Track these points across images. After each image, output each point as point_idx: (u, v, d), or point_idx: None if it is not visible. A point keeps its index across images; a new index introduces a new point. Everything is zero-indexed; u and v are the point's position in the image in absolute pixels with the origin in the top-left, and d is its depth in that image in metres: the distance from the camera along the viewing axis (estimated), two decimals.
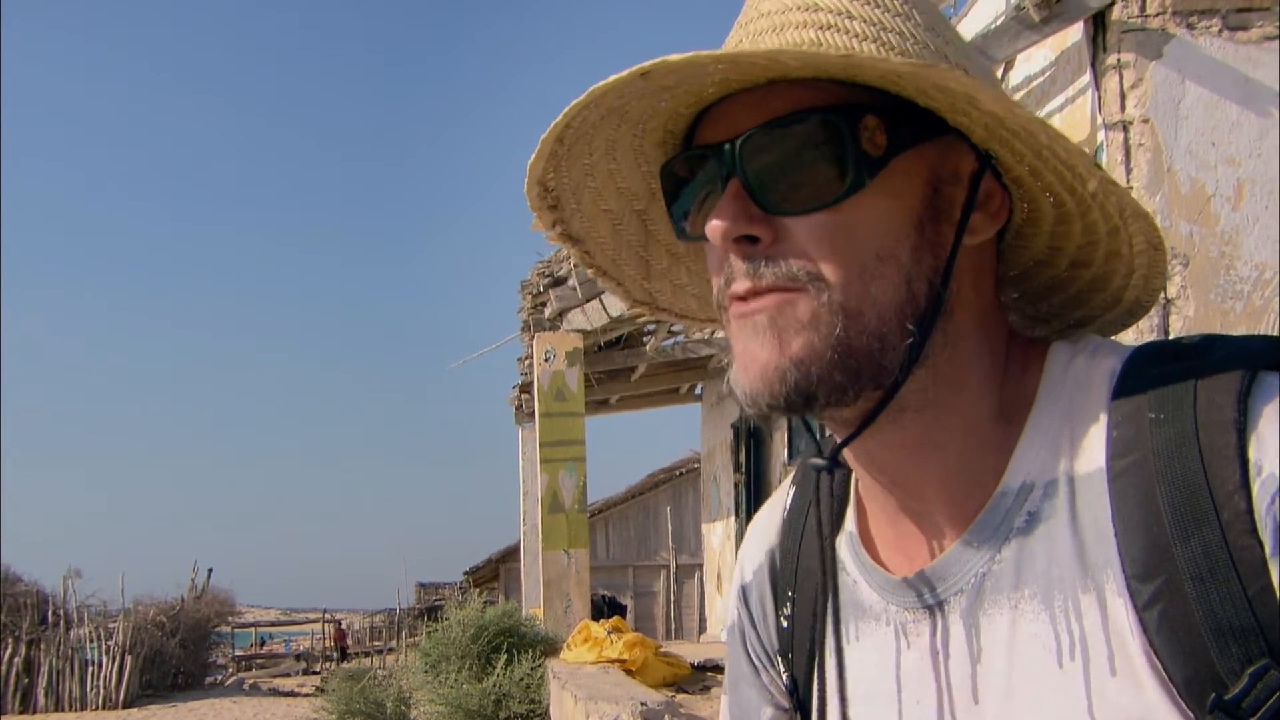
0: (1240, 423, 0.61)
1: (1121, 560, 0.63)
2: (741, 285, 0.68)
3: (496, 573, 25.38)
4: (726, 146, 0.68)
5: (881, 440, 0.72)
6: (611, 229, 0.83)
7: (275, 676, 30.48)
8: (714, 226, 0.67)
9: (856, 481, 0.82)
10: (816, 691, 0.81)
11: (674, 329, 10.25)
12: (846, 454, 0.75)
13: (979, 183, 0.70)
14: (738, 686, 0.93)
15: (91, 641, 21.13)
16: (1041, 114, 2.54)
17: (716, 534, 12.77)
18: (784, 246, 0.67)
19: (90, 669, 20.88)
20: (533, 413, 9.05)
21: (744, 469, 11.29)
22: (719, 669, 6.91)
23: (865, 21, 0.66)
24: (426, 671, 8.17)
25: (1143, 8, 3.49)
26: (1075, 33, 3.76)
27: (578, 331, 8.48)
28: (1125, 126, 3.48)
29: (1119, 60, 3.49)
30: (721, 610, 12.44)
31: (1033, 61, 4.16)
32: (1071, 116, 3.82)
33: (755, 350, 0.68)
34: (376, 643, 34.78)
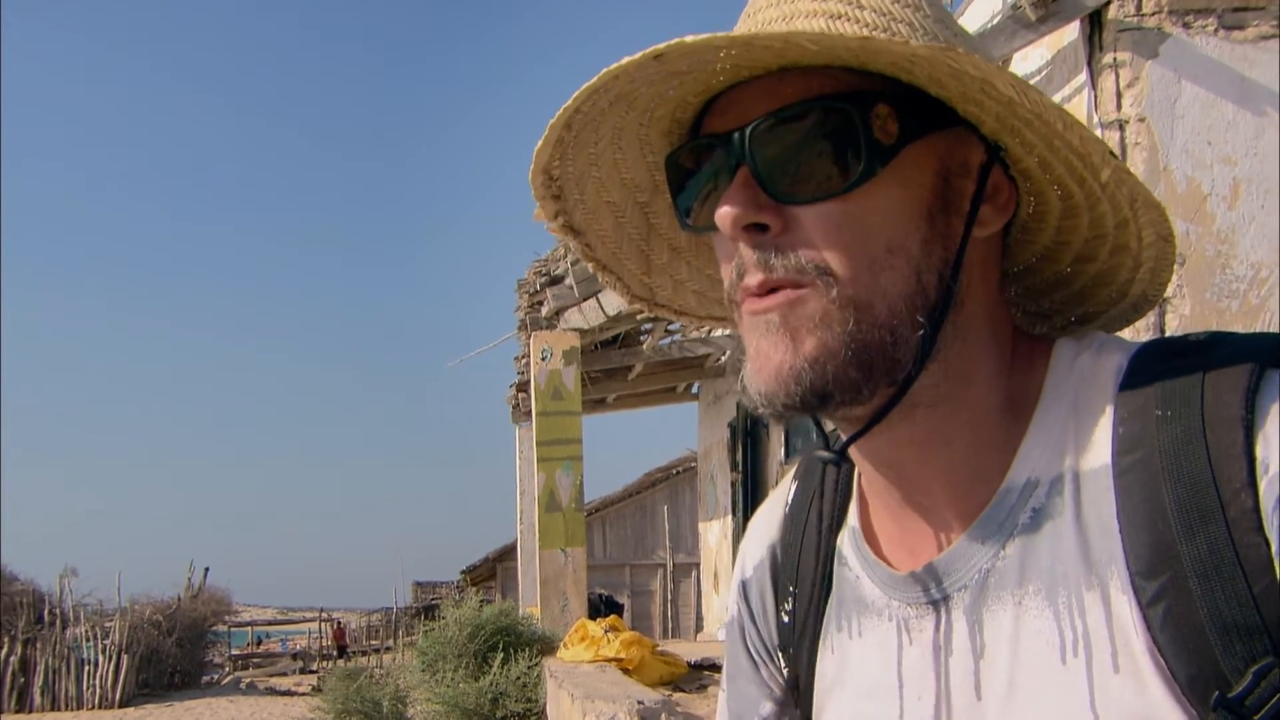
0: (1247, 420, 0.61)
1: (1126, 557, 0.63)
2: (754, 278, 0.68)
3: (493, 572, 25.37)
4: (736, 135, 0.68)
5: (891, 437, 0.72)
6: (614, 221, 0.82)
7: (272, 675, 30.42)
8: (723, 214, 0.67)
9: (859, 476, 0.82)
10: (817, 687, 0.82)
11: (671, 328, 10.25)
12: (851, 449, 0.74)
13: (988, 175, 0.70)
14: (736, 681, 0.92)
15: (88, 640, 21.10)
16: None
17: (713, 533, 12.77)
18: (793, 236, 0.67)
19: (86, 668, 20.85)
20: (530, 412, 9.04)
21: (741, 468, 11.29)
22: (716, 668, 6.91)
23: (875, 12, 0.66)
24: (423, 670, 8.17)
25: (1139, 7, 3.50)
26: (1071, 32, 3.76)
27: (574, 330, 8.48)
28: (1121, 125, 3.48)
29: (1115, 59, 3.50)
30: (718, 609, 12.45)
31: (1029, 60, 4.16)
32: None
33: (769, 350, 0.68)
34: (373, 641, 34.75)
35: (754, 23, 0.69)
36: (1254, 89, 3.47)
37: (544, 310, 8.60)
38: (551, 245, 8.56)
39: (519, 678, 7.37)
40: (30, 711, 20.17)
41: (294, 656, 35.00)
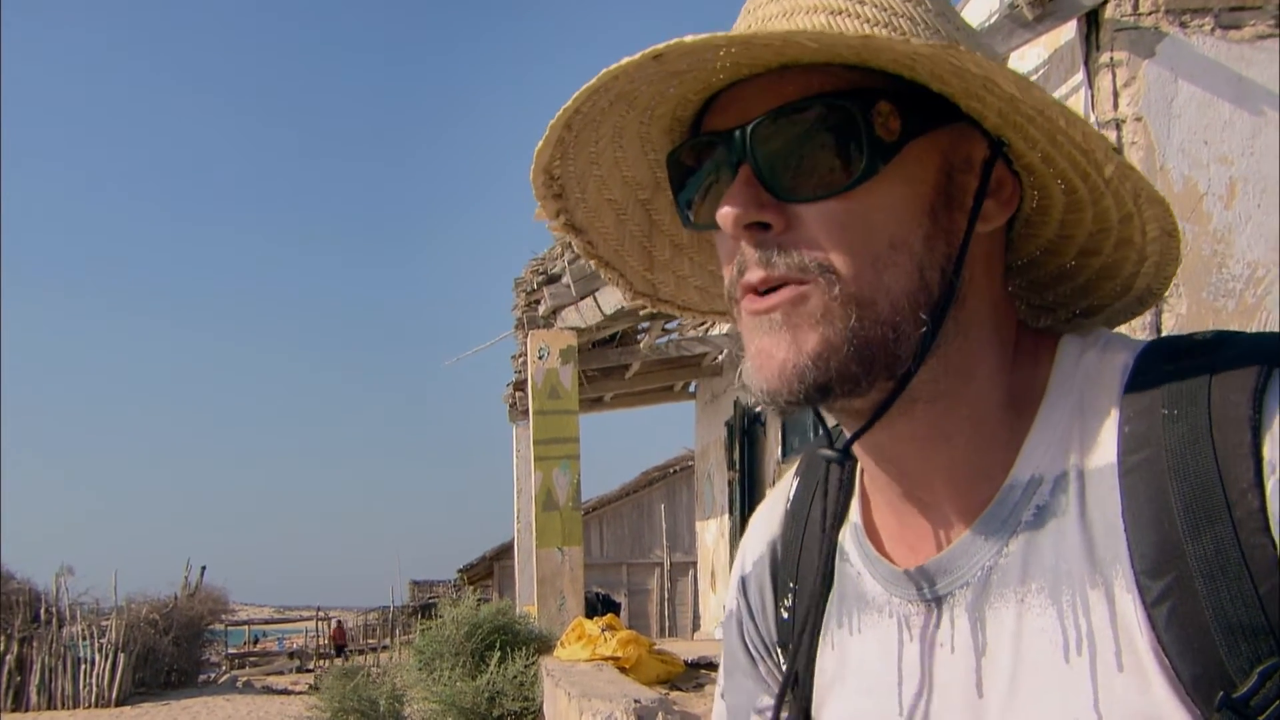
0: (1255, 420, 0.60)
1: (1131, 556, 0.63)
2: (755, 275, 0.68)
3: (490, 570, 25.36)
4: (737, 133, 0.68)
5: (892, 432, 0.72)
6: (615, 218, 0.82)
7: (269, 674, 30.42)
8: (725, 213, 0.67)
9: (861, 472, 0.81)
10: (817, 683, 0.81)
11: (668, 326, 10.25)
12: (854, 445, 0.74)
13: (991, 170, 0.70)
14: (733, 675, 0.92)
15: (84, 639, 21.10)
16: None
17: (710, 532, 12.77)
18: (796, 234, 0.67)
19: (83, 667, 20.85)
20: (527, 410, 9.04)
21: (738, 467, 11.29)
22: (713, 666, 6.91)
23: (877, 7, 0.66)
24: (420, 669, 8.17)
25: (1135, 6, 3.50)
26: (1068, 31, 3.76)
27: (571, 329, 8.48)
28: (1118, 125, 3.48)
29: (1112, 59, 3.50)
30: (715, 608, 12.45)
31: (1026, 60, 4.16)
32: None
33: (770, 348, 0.67)
34: (370, 640, 34.73)
35: (754, 19, 0.69)
36: (1251, 88, 3.47)
37: (541, 309, 8.60)
38: (549, 244, 8.56)
39: (516, 676, 7.37)
40: (27, 710, 20.15)
41: (291, 655, 34.99)
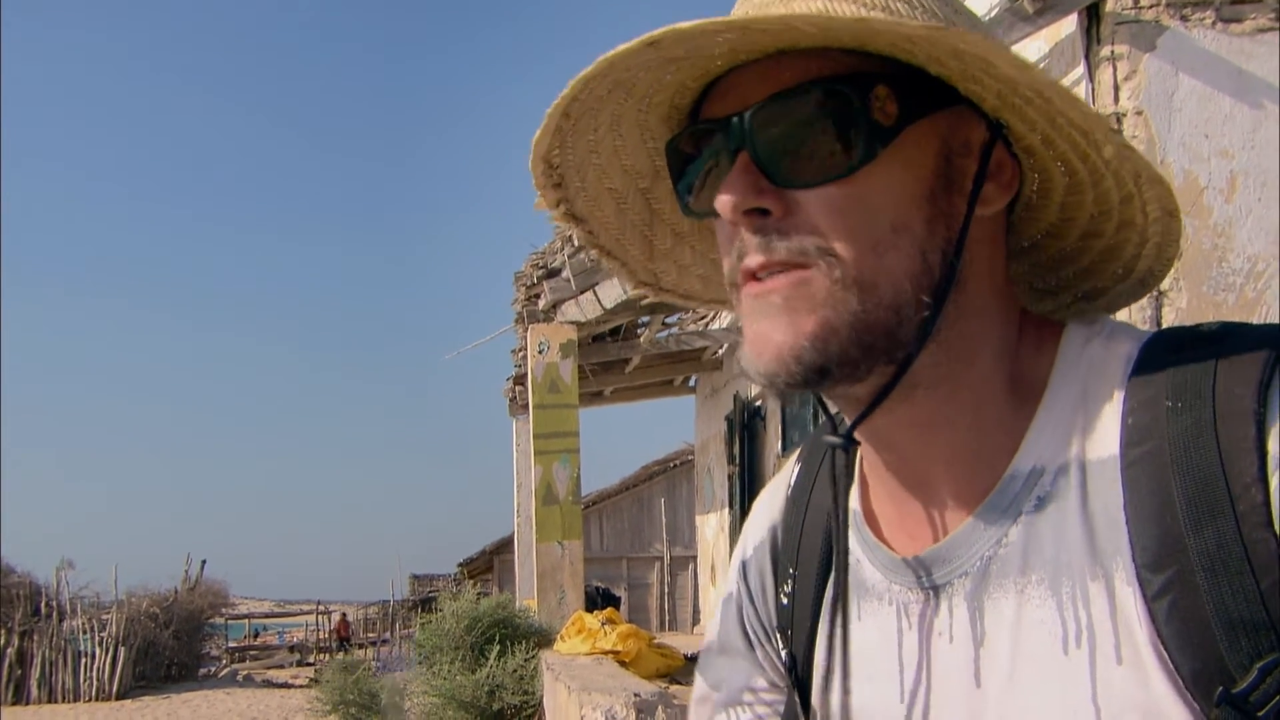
0: (1260, 414, 0.60)
1: (1132, 549, 0.62)
2: (755, 259, 0.67)
3: (490, 564, 25.39)
4: (735, 119, 0.67)
5: (893, 418, 0.71)
6: (616, 207, 0.82)
7: (269, 668, 30.45)
8: (724, 200, 0.67)
9: (861, 459, 0.81)
10: (817, 670, 0.81)
11: (668, 320, 10.24)
12: (855, 431, 0.74)
13: (990, 153, 0.69)
14: (725, 655, 0.92)
15: (85, 633, 21.12)
16: None
17: (710, 526, 12.77)
18: (796, 220, 0.66)
19: (83, 660, 20.87)
20: (527, 405, 9.03)
21: (738, 461, 11.29)
22: None
23: None
24: (420, 663, 8.17)
25: (1136, 0, 3.49)
26: (1069, 24, 3.76)
27: (571, 323, 8.46)
28: (1119, 119, 3.48)
29: (1113, 52, 3.49)
30: (715, 602, 12.43)
31: (1026, 53, 4.16)
32: None
33: (769, 330, 0.67)
34: (370, 634, 34.78)
35: (751, 4, 0.69)
36: (1251, 82, 3.47)
37: (541, 303, 8.59)
38: (548, 238, 8.55)
39: (516, 670, 7.38)
40: (27, 704, 20.18)
41: (291, 649, 35.02)
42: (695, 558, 16.49)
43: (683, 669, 6.86)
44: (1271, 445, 0.59)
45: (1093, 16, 3.60)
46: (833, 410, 0.77)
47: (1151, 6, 3.48)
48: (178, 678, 23.78)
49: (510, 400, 10.95)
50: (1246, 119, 3.46)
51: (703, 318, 10.76)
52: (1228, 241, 3.43)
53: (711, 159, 0.70)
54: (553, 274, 8.42)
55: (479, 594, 8.88)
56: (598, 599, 12.25)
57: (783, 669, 0.87)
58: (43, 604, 21.45)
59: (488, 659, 7.52)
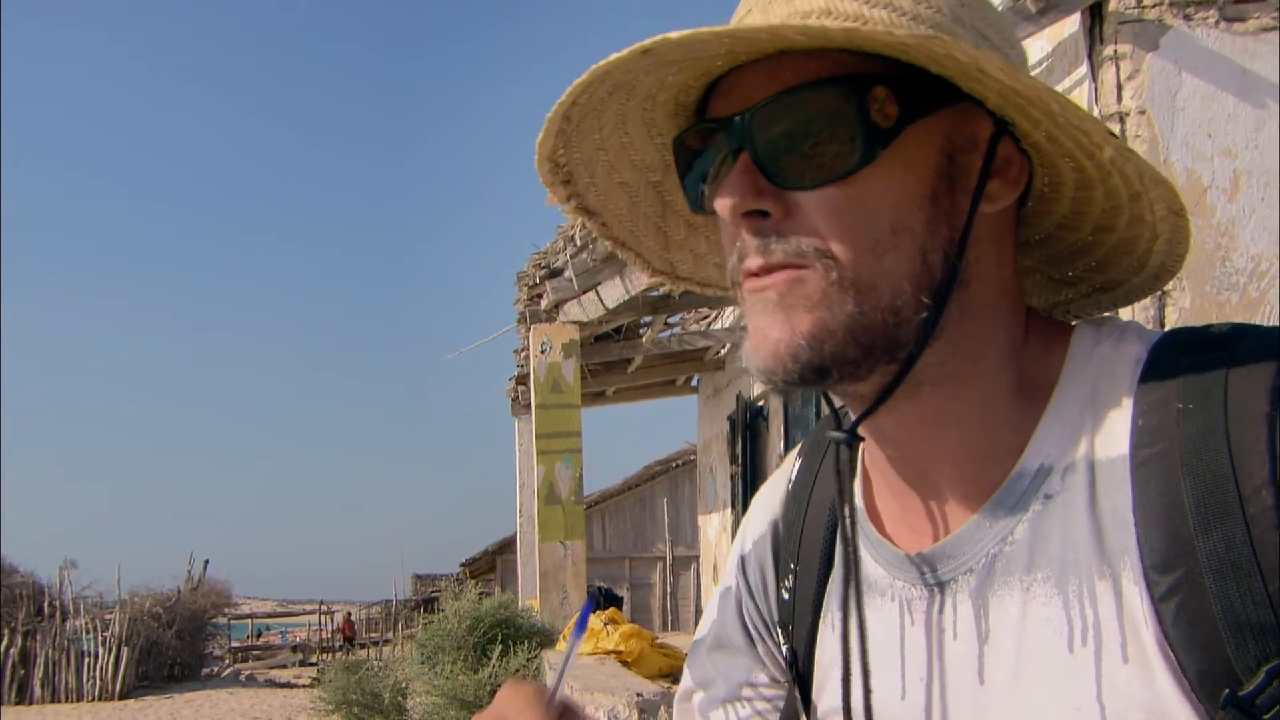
0: (1272, 418, 0.60)
1: (1140, 550, 0.62)
2: (754, 261, 0.67)
3: (493, 564, 25.41)
4: (736, 119, 0.67)
5: (898, 415, 0.71)
6: (628, 201, 0.82)
7: (272, 668, 30.46)
8: (723, 203, 0.67)
9: (863, 454, 0.81)
10: (818, 665, 0.81)
11: (670, 320, 10.24)
12: (860, 426, 0.74)
13: (996, 149, 0.69)
14: (721, 650, 0.92)
15: (87, 633, 21.12)
16: None
17: (713, 526, 12.77)
18: (795, 222, 0.66)
19: (86, 660, 20.87)
20: (529, 405, 9.04)
21: (740, 461, 11.29)
22: None
23: None
24: (422, 662, 8.18)
25: None
26: (1072, 24, 3.75)
27: (574, 323, 8.47)
28: (1122, 118, 3.47)
29: (1116, 51, 3.49)
30: None
31: (1029, 53, 4.15)
32: None
33: (766, 328, 0.67)
34: (373, 634, 34.80)
35: (755, 2, 0.69)
36: (1255, 81, 3.46)
37: (543, 303, 8.59)
38: (551, 238, 8.55)
39: (518, 670, 7.38)
40: (30, 703, 20.20)
41: (294, 649, 35.05)
42: (698, 558, 16.49)
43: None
44: None
45: (1095, 16, 3.60)
46: (837, 404, 0.77)
47: (1154, 6, 3.48)
48: (181, 677, 23.80)
49: (513, 400, 10.95)
50: (1250, 118, 3.46)
51: (705, 317, 10.76)
52: (1231, 241, 3.42)
53: (716, 157, 0.70)
54: (555, 274, 8.42)
55: (481, 594, 8.89)
56: (600, 599, 12.24)
57: (784, 664, 0.87)
58: (46, 604, 21.45)
59: (490, 659, 7.53)
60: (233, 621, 37.05)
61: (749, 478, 11.09)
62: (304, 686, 20.91)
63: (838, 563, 0.81)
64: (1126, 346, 0.70)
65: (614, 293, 8.00)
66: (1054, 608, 0.66)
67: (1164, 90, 3.46)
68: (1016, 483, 0.69)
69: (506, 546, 22.47)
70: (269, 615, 50.87)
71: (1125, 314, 0.84)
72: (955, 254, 0.68)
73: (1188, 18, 3.48)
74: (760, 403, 10.50)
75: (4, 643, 20.22)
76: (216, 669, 27.97)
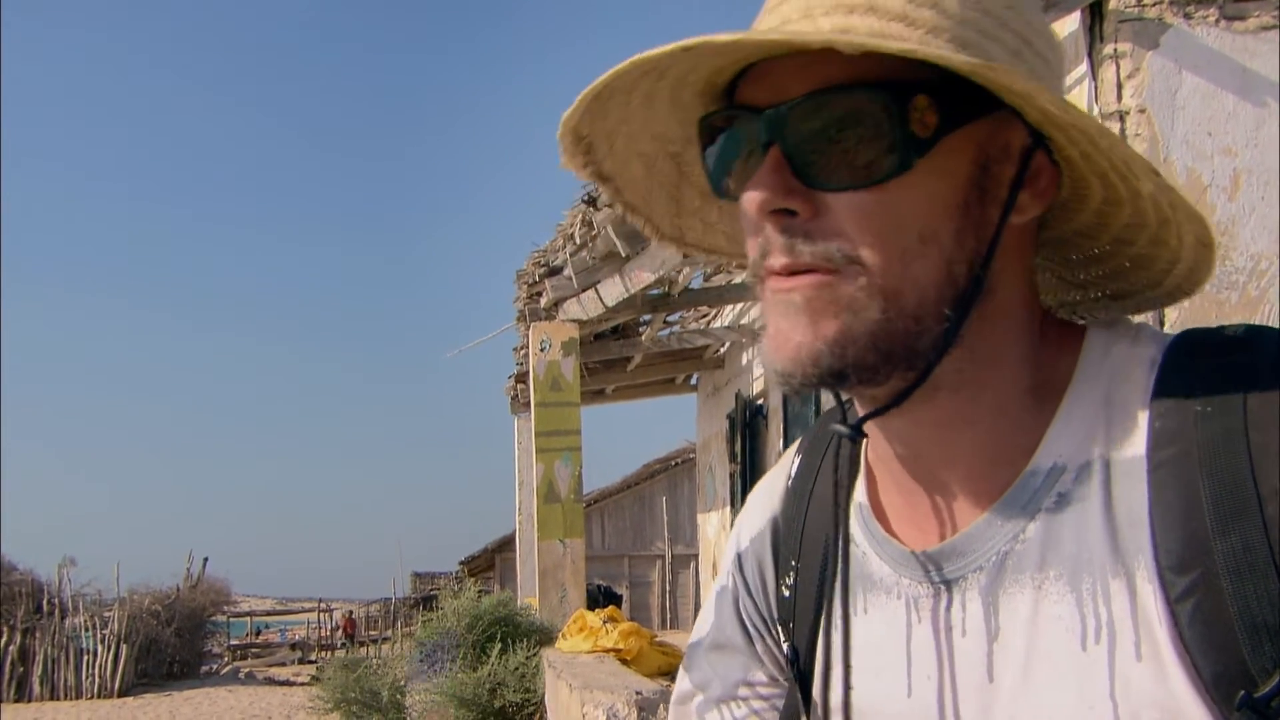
0: None
1: (1155, 550, 0.62)
2: (778, 261, 0.66)
3: (492, 562, 25.40)
4: (768, 112, 0.66)
5: (912, 418, 0.71)
6: (645, 169, 0.81)
7: (271, 666, 30.50)
8: (751, 197, 0.66)
9: (866, 451, 0.81)
10: (820, 663, 0.80)
11: (670, 319, 10.24)
12: (867, 423, 0.73)
13: (1030, 159, 0.68)
14: (719, 650, 0.91)
15: (87, 630, 21.14)
16: None
17: (712, 524, 12.78)
18: (823, 223, 0.65)
19: (85, 658, 20.89)
20: (528, 403, 9.03)
21: (739, 459, 11.29)
22: None
23: (914, 4, 0.64)
24: (421, 661, 8.18)
25: None
26: (1072, 22, 3.75)
27: (573, 321, 8.46)
28: (1122, 116, 3.47)
29: (1116, 50, 3.49)
30: None
31: None
32: None
33: (788, 330, 0.66)
34: (372, 632, 34.80)
35: (793, 8, 0.67)
36: (1255, 80, 3.46)
37: (543, 301, 8.58)
38: (550, 236, 8.54)
39: (517, 668, 7.38)
40: (29, 701, 20.20)
41: (293, 647, 35.08)
42: (697, 556, 16.50)
43: None
44: None
45: (1096, 14, 3.59)
46: (844, 397, 0.76)
47: (1155, 4, 3.48)
48: (180, 675, 23.81)
49: (512, 398, 10.96)
50: (1250, 117, 3.45)
51: (704, 316, 10.76)
52: (1231, 240, 3.42)
53: (743, 144, 0.69)
54: (554, 272, 8.42)
55: (480, 592, 8.89)
56: (599, 597, 12.25)
57: (784, 662, 0.86)
58: (45, 601, 21.46)
59: (489, 657, 7.53)
60: (232, 619, 37.07)
61: (748, 476, 11.09)
62: (303, 684, 20.92)
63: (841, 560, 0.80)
64: (1141, 349, 0.70)
65: (613, 291, 8.00)
66: (1066, 606, 0.66)
67: (1164, 89, 3.46)
68: (1029, 482, 0.69)
69: (506, 545, 22.46)
70: (268, 613, 50.87)
71: None
72: (980, 265, 0.67)
73: (1188, 16, 3.48)
74: (759, 401, 10.50)
75: (3, 640, 20.23)
76: (215, 667, 27.98)
